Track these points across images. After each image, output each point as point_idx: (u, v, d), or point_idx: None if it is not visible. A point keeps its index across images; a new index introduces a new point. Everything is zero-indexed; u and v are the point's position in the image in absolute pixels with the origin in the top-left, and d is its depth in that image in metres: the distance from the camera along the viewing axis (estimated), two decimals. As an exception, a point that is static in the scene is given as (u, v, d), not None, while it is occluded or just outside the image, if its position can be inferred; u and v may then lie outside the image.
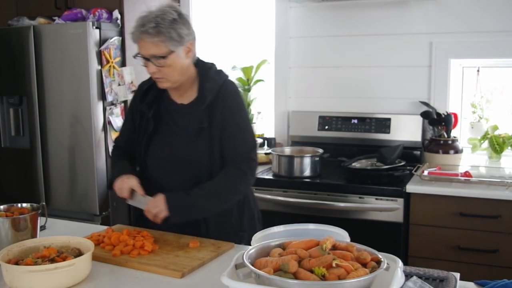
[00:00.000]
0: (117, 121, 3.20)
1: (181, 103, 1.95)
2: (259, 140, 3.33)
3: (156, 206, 1.76)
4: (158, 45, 1.77)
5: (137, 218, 2.02)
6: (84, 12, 3.24)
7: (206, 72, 1.92)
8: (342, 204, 2.71)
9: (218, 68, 1.99)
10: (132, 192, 1.85)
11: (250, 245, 1.43)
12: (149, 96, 1.97)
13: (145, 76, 1.92)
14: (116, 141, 2.16)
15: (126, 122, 2.11)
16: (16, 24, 3.32)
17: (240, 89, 1.97)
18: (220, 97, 1.89)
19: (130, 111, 2.06)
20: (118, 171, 1.94)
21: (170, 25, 1.77)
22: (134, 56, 1.86)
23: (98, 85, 3.08)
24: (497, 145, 3.02)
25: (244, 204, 2.01)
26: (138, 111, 2.00)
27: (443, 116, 3.03)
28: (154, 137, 1.95)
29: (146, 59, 1.81)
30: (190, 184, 1.84)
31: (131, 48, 3.25)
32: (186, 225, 1.84)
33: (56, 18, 3.27)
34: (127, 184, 1.85)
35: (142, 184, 1.87)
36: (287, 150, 3.07)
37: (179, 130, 1.93)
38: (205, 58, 1.99)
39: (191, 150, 1.89)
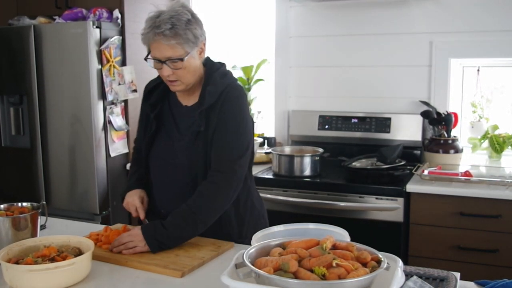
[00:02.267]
0: (117, 120, 3.20)
1: (185, 105, 1.91)
2: (259, 140, 3.33)
3: (130, 240, 1.68)
4: (174, 48, 1.71)
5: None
6: (84, 11, 3.25)
7: (211, 74, 1.85)
8: (342, 204, 2.71)
9: (227, 69, 1.91)
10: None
11: None
12: (153, 96, 1.93)
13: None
14: (135, 141, 2.11)
15: (139, 121, 2.06)
16: (16, 24, 3.32)
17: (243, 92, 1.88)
18: (220, 101, 1.81)
19: (140, 110, 2.03)
20: (128, 185, 1.96)
21: (186, 26, 1.71)
22: (145, 59, 1.79)
23: (98, 84, 3.08)
24: (497, 144, 3.02)
25: (246, 211, 1.92)
26: (144, 111, 1.98)
27: (443, 115, 3.03)
28: (156, 137, 1.92)
29: (160, 61, 1.75)
30: (188, 188, 1.81)
31: (131, 47, 3.25)
32: None
33: (56, 17, 3.27)
34: (132, 205, 1.88)
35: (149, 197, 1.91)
36: (287, 150, 3.07)
37: (180, 132, 1.89)
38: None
39: (188, 153, 1.84)
